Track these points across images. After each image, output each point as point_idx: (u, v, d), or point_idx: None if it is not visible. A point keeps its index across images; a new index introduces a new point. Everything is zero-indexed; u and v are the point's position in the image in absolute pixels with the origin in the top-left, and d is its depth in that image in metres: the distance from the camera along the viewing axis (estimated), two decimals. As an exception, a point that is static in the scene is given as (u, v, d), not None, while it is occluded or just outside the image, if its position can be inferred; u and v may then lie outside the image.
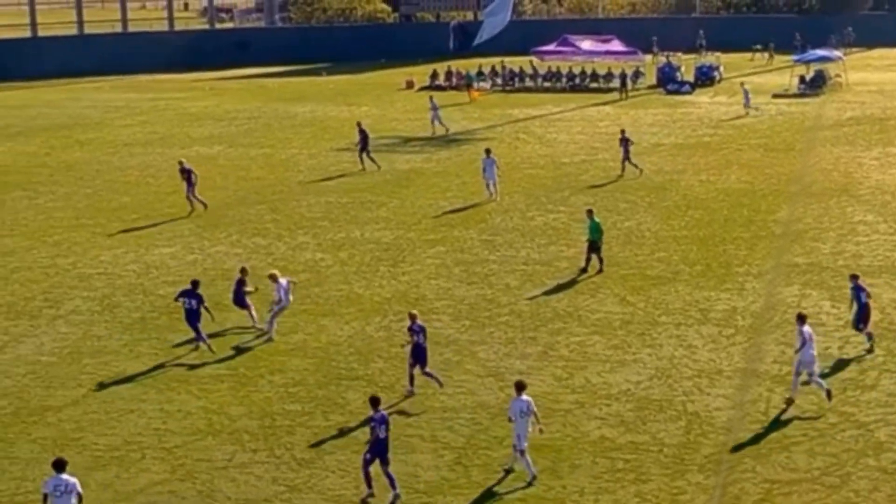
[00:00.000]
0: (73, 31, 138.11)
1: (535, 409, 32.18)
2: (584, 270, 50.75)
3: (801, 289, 47.02)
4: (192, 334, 41.00)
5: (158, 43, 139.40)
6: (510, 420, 32.22)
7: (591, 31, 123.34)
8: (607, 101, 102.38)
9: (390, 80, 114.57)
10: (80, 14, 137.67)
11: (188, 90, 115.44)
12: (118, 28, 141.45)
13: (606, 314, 44.69)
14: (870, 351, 39.97)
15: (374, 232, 57.79)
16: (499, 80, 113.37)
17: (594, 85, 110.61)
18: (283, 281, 44.78)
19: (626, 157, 68.84)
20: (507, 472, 32.32)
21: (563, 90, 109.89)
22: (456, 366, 39.48)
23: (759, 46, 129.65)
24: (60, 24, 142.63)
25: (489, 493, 30.69)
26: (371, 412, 31.24)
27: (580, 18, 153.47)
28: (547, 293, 47.47)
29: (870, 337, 40.32)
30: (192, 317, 40.74)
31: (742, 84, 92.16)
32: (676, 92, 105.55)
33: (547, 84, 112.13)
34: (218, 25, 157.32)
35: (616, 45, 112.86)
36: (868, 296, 40.68)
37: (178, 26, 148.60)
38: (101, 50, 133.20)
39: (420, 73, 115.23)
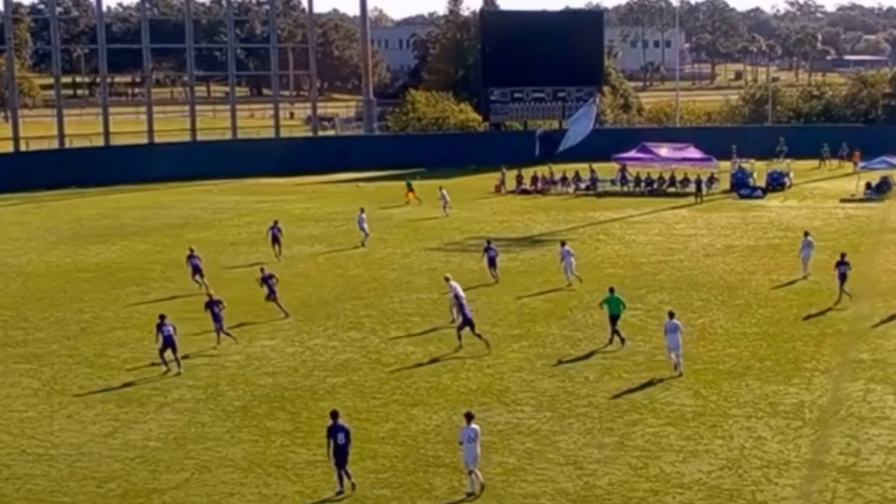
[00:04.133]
0: (187, 137, 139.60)
1: (480, 437, 36.39)
2: (620, 341, 53.21)
3: (866, 384, 46.58)
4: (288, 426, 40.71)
5: (265, 149, 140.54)
6: (460, 443, 36.48)
7: (669, 138, 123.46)
8: (683, 204, 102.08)
9: (480, 185, 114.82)
10: (193, 122, 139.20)
11: (291, 193, 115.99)
12: (228, 135, 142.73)
13: (680, 406, 44.40)
14: None
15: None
16: (581, 185, 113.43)
17: (671, 189, 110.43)
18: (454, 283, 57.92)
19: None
20: (469, 495, 35.96)
21: (641, 194, 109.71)
22: (537, 454, 39.32)
23: (826, 153, 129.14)
24: (175, 131, 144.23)
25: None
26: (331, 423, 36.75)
27: (658, 127, 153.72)
28: (623, 386, 47.24)
29: None
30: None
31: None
32: (749, 196, 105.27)
33: (626, 188, 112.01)
34: (320, 133, 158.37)
35: (692, 152, 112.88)
36: None
37: (284, 133, 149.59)
38: (212, 155, 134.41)
39: (507, 177, 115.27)
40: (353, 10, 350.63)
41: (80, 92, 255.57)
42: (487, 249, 70.43)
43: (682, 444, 40.20)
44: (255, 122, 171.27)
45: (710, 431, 41.41)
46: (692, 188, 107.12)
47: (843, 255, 63.93)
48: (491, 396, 46.25)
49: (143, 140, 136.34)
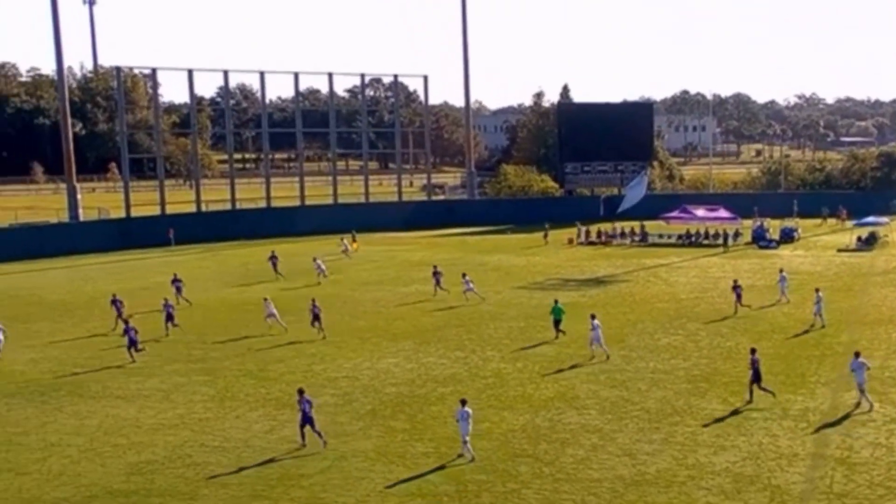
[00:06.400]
0: (330, 200, 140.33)
1: (471, 416, 38.57)
2: (562, 334, 60.05)
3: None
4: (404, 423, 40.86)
5: (390, 209, 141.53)
6: (457, 421, 38.70)
7: (704, 201, 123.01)
8: (714, 253, 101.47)
9: (556, 238, 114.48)
10: (335, 188, 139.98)
11: (410, 244, 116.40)
12: (362, 199, 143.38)
13: (712, 411, 44.14)
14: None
15: (542, 348, 57.69)
16: (636, 238, 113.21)
17: (705, 241, 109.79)
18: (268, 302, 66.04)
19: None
20: (460, 456, 38.34)
21: (682, 245, 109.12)
22: (601, 448, 39.22)
23: (826, 213, 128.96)
24: (321, 195, 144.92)
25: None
26: (298, 397, 40.79)
27: (696, 193, 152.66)
28: (668, 394, 47.00)
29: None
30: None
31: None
32: (766, 247, 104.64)
33: (670, 240, 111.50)
34: (433, 197, 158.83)
35: (722, 213, 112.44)
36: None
37: (405, 197, 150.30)
38: (349, 214, 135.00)
39: (576, 232, 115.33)
40: (459, 101, 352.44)
41: (247, 165, 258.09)
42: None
43: (713, 440, 40.00)
44: (383, 188, 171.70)
45: (735, 430, 41.18)
46: (721, 240, 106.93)
47: (735, 281, 70.22)
48: (564, 403, 46.20)
49: (296, 203, 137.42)
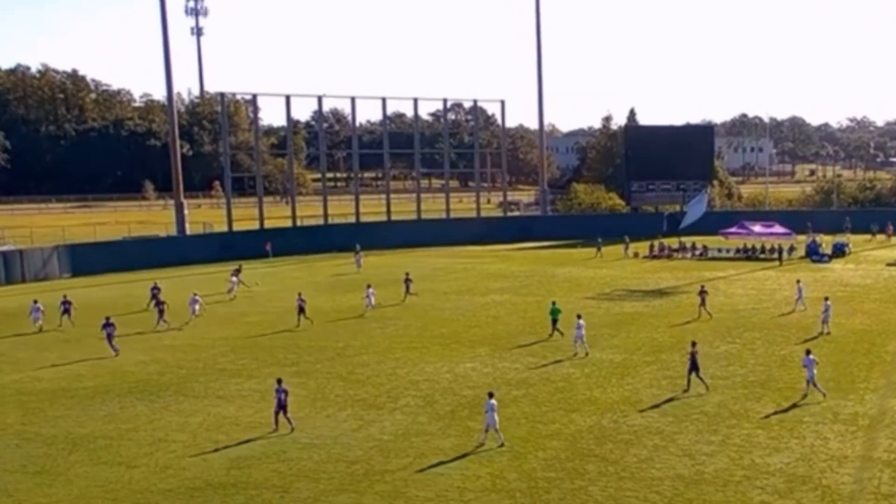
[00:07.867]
0: (414, 216, 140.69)
1: (496, 408, 39.71)
2: (559, 334, 61.85)
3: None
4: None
5: (469, 225, 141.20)
6: (485, 412, 39.80)
7: (760, 218, 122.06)
8: (770, 267, 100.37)
9: (610, 252, 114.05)
10: (418, 205, 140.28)
11: (487, 257, 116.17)
12: (443, 214, 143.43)
13: (767, 415, 43.68)
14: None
15: (609, 354, 57.36)
16: (697, 252, 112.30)
17: (762, 255, 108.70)
18: (196, 296, 72.96)
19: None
20: (479, 445, 39.69)
21: (739, 259, 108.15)
22: (662, 448, 38.96)
23: (875, 229, 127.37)
24: (406, 211, 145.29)
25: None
26: (276, 386, 43.33)
27: (753, 210, 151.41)
28: (726, 398, 46.56)
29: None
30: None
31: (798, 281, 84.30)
32: (819, 261, 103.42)
33: (729, 254, 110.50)
34: (509, 213, 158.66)
35: (777, 228, 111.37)
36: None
37: (483, 213, 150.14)
38: (432, 229, 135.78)
39: (642, 246, 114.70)
40: (533, 124, 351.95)
41: (339, 183, 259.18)
42: (406, 280, 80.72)
43: (768, 442, 39.62)
44: (463, 205, 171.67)
45: (788, 433, 40.74)
46: (777, 254, 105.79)
47: (702, 286, 72.18)
48: (629, 405, 45.95)
49: (383, 218, 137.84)
